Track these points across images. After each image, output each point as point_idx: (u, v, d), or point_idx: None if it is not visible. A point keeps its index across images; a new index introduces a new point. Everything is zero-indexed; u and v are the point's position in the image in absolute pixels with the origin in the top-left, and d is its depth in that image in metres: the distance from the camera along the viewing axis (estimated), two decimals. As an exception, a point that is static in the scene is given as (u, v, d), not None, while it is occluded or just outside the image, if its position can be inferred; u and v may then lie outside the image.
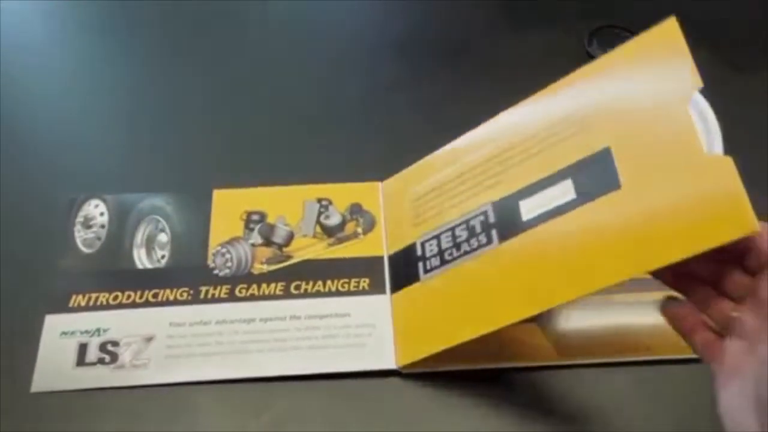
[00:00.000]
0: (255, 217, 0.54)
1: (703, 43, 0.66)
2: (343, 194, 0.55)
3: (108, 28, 0.68)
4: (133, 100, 0.62)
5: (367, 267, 0.51)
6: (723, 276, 0.36)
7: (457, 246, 0.47)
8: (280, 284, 0.50)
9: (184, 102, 0.62)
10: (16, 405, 0.45)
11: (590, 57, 0.65)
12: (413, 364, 0.46)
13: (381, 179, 0.56)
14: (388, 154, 0.58)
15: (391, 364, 0.47)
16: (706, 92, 0.62)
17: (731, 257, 0.35)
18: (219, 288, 0.50)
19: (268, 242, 0.52)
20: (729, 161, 0.36)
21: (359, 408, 0.46)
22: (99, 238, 0.52)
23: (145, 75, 0.64)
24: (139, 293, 0.50)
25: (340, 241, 0.52)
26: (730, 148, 0.58)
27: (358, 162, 0.57)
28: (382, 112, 0.61)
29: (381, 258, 0.52)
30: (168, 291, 0.50)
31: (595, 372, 0.47)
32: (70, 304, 0.49)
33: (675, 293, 0.39)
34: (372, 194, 0.55)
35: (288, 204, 0.54)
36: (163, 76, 0.64)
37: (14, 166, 0.57)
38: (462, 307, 0.46)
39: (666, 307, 0.39)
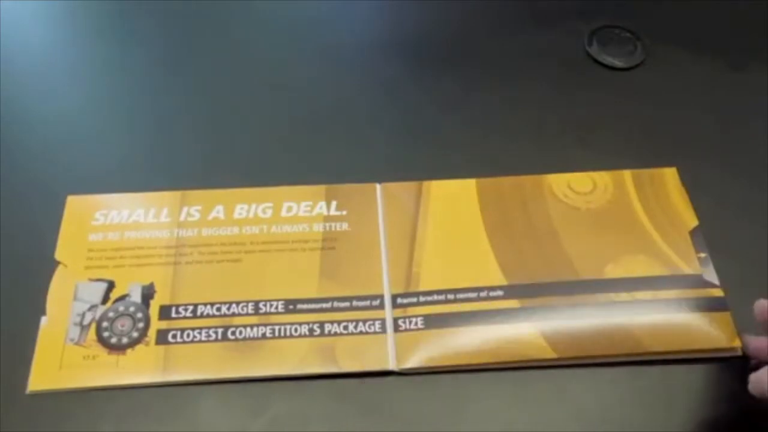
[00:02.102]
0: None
1: (702, 43, 0.66)
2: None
3: (107, 29, 0.68)
4: (131, 99, 0.62)
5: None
6: None
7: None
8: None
9: (182, 102, 0.62)
10: (12, 406, 0.45)
11: (590, 57, 0.65)
12: (414, 366, 0.47)
13: (379, 181, 0.56)
14: (386, 156, 0.58)
15: (391, 365, 0.47)
16: (705, 93, 0.63)
17: None
18: None
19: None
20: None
21: (359, 408, 0.46)
22: None
23: (144, 75, 0.64)
24: None
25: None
26: (730, 146, 0.59)
27: (356, 163, 0.57)
28: (380, 112, 0.61)
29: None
30: None
31: (595, 371, 0.47)
32: None
33: None
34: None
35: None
36: (162, 76, 0.64)
37: (12, 164, 0.57)
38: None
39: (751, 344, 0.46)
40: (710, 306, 0.49)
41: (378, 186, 0.55)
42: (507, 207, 0.54)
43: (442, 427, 0.45)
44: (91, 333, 0.48)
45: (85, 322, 0.48)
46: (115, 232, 0.52)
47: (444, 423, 0.45)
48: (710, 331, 0.48)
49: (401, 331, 0.48)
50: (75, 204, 0.54)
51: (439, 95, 0.63)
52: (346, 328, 0.49)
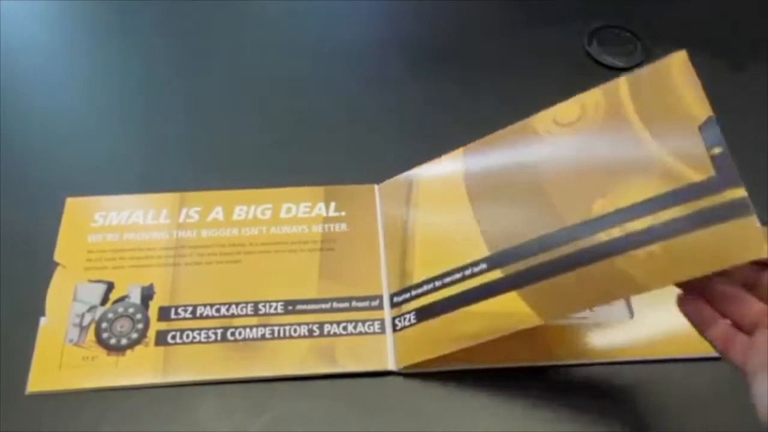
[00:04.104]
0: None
1: (702, 43, 0.66)
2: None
3: (107, 29, 0.68)
4: (131, 101, 0.62)
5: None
6: (757, 279, 0.37)
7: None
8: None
9: (182, 104, 0.62)
10: (11, 406, 0.45)
11: (590, 57, 0.65)
12: (413, 366, 0.47)
13: (378, 182, 0.56)
14: (386, 156, 0.58)
15: (391, 365, 0.47)
16: (705, 93, 0.62)
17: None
18: None
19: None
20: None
21: (359, 408, 0.46)
22: None
23: (144, 77, 0.64)
24: None
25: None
26: (729, 146, 0.59)
27: (355, 164, 0.57)
28: (379, 113, 0.61)
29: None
30: None
31: (596, 370, 0.47)
32: None
33: None
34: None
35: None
36: (162, 78, 0.64)
37: (12, 165, 0.57)
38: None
39: (684, 300, 0.39)
40: (725, 214, 0.37)
41: (376, 187, 0.55)
42: (490, 168, 0.50)
43: (442, 427, 0.45)
44: (91, 334, 0.48)
45: (85, 323, 0.48)
46: (114, 233, 0.53)
47: (444, 423, 0.45)
48: (726, 245, 0.37)
49: (398, 330, 0.48)
50: (74, 205, 0.54)
51: (438, 96, 0.63)
52: (345, 328, 0.49)
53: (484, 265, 0.46)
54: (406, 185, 0.54)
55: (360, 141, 0.59)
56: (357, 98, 0.62)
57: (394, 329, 0.48)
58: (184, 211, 0.54)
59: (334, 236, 0.53)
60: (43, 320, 0.48)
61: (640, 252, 0.39)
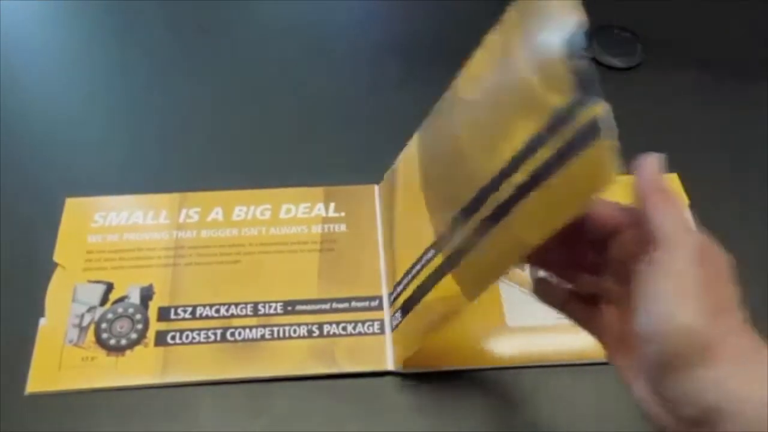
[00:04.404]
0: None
1: (702, 44, 0.66)
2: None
3: (106, 31, 0.68)
4: (131, 102, 0.62)
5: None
6: (579, 256, 0.37)
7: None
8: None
9: (181, 104, 0.62)
10: (11, 406, 0.45)
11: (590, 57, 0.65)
12: (411, 361, 0.46)
13: (378, 182, 0.56)
14: (386, 156, 0.58)
15: (390, 365, 0.47)
16: (705, 93, 0.62)
17: (581, 241, 0.35)
18: None
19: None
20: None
21: (359, 408, 0.46)
22: None
23: (145, 75, 0.64)
24: None
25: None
26: (730, 146, 0.59)
27: (355, 164, 0.57)
28: (379, 113, 0.61)
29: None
30: None
31: (598, 369, 0.47)
32: None
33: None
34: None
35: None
36: (163, 76, 0.64)
37: (11, 166, 0.57)
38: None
39: (537, 285, 0.39)
40: (582, 140, 0.30)
41: (376, 187, 0.56)
42: (429, 143, 0.48)
43: (442, 427, 0.45)
44: (90, 334, 0.48)
45: (84, 324, 0.48)
46: (114, 233, 0.53)
47: (443, 423, 0.45)
48: (582, 178, 0.31)
49: (393, 329, 0.48)
50: (74, 206, 0.54)
51: (438, 96, 0.62)
52: (344, 329, 0.49)
53: (432, 252, 0.44)
54: (392, 177, 0.54)
55: (360, 141, 0.59)
56: (357, 98, 0.62)
57: (392, 329, 0.48)
58: (184, 211, 0.54)
59: (333, 237, 0.53)
60: (42, 321, 0.48)
61: (519, 206, 0.34)
